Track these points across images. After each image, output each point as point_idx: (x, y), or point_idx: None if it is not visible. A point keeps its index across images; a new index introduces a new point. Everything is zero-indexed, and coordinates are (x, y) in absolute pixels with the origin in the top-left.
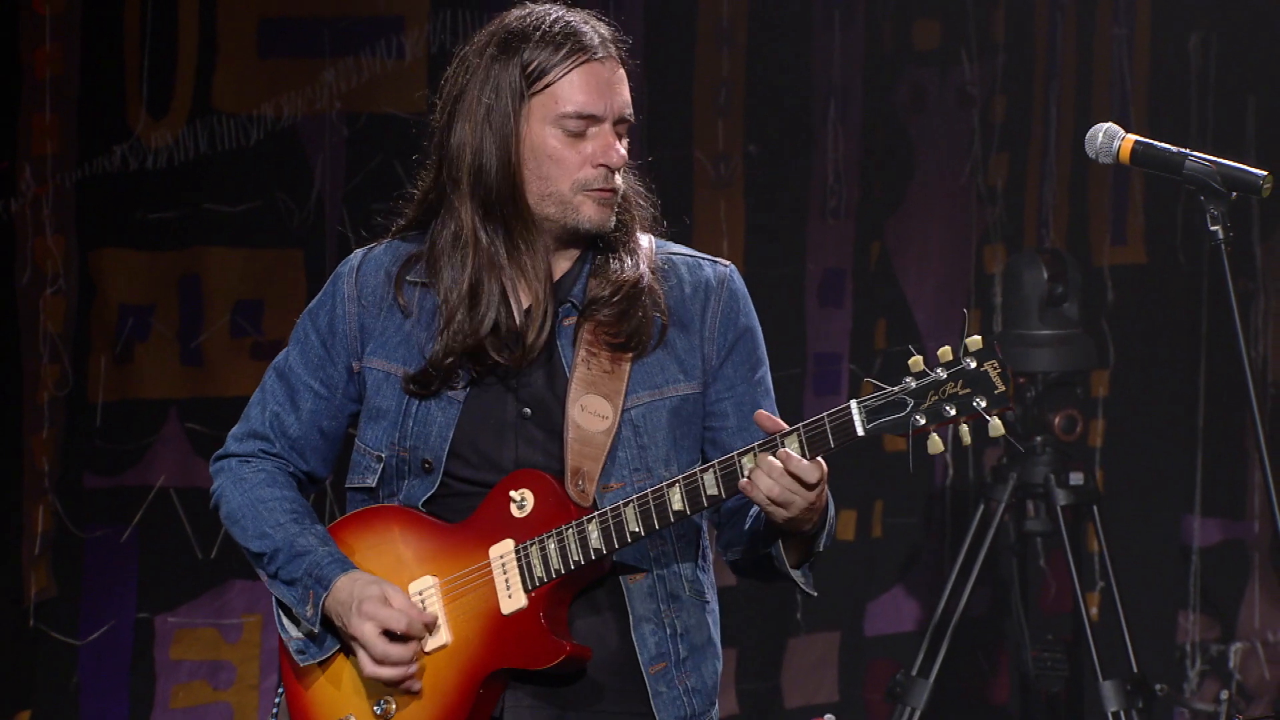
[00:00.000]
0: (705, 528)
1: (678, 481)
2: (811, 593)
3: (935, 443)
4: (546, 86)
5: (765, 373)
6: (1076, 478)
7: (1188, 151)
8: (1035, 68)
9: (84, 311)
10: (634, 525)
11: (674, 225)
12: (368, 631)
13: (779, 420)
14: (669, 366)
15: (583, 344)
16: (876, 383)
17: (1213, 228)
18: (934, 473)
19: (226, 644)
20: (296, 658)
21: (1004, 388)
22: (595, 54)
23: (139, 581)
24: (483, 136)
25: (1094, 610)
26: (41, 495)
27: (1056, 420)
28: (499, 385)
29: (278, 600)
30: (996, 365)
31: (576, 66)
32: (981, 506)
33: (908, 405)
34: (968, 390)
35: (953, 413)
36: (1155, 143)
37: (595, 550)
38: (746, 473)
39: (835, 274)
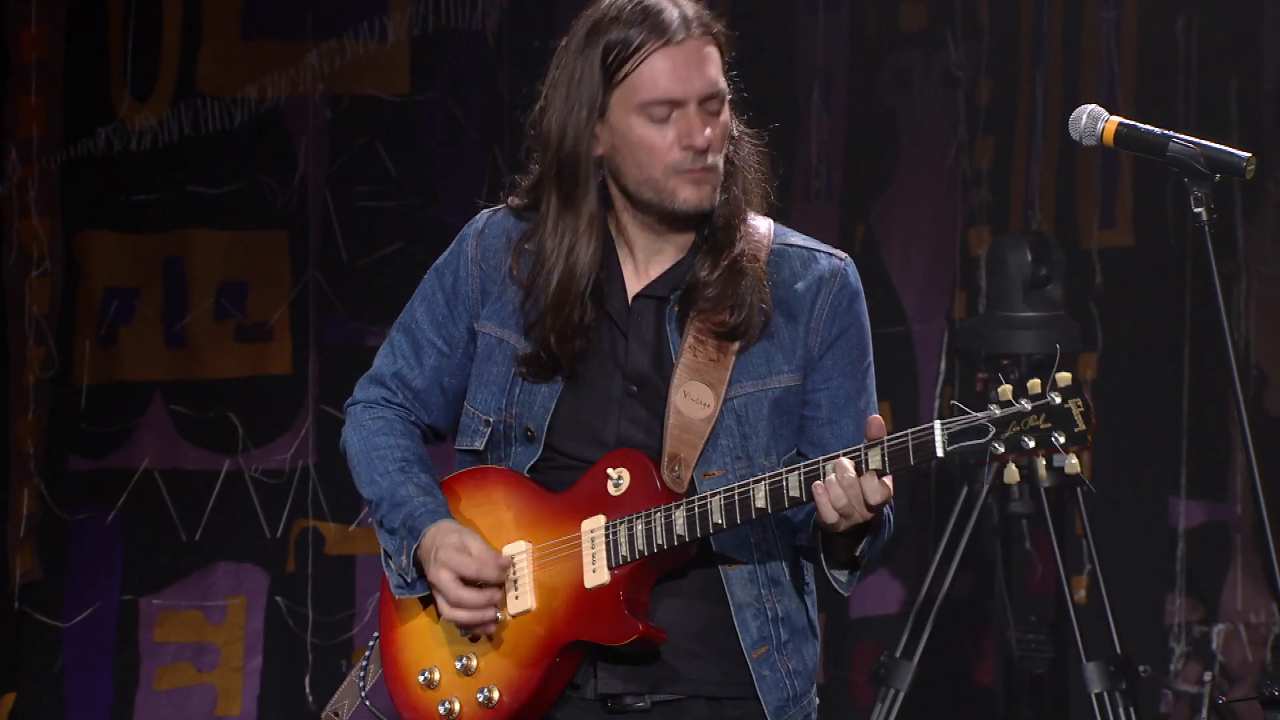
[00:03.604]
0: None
1: (763, 479)
2: (844, 593)
3: (1011, 471)
4: (626, 76)
5: (869, 368)
6: (1060, 460)
7: (1171, 133)
8: (1021, 50)
9: (69, 294)
10: (717, 517)
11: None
12: (443, 578)
13: (884, 429)
14: (774, 357)
15: (690, 330)
16: (961, 405)
17: (1196, 209)
18: None
19: (211, 626)
20: (395, 591)
21: (1085, 427)
22: (673, 37)
23: (124, 564)
24: (564, 130)
25: (1081, 593)
26: (26, 478)
27: None
28: (606, 360)
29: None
30: (1081, 404)
31: (653, 53)
32: (965, 488)
33: (989, 432)
34: (1049, 425)
35: (1031, 445)
36: (1139, 125)
37: (679, 536)
38: (825, 477)
39: None
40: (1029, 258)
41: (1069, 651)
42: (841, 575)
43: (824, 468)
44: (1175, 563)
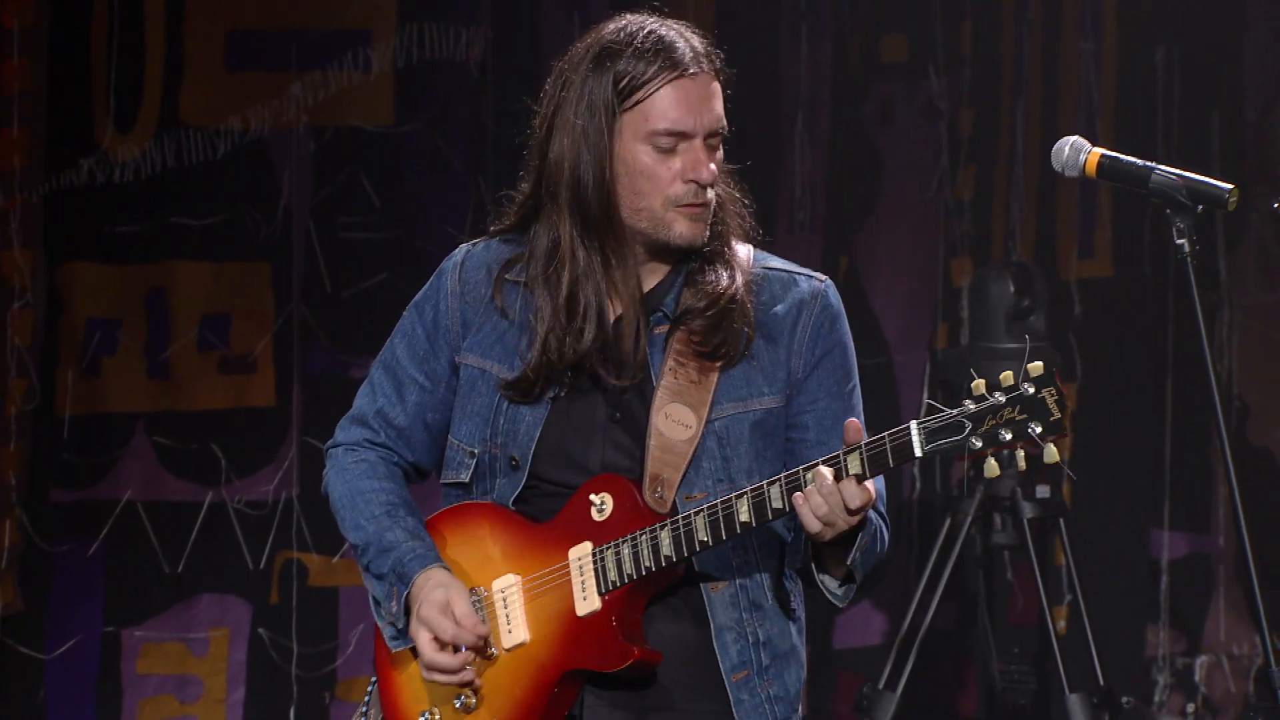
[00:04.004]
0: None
1: (745, 493)
2: (840, 604)
3: (991, 466)
4: (638, 103)
5: (854, 389)
6: (1043, 491)
7: (1154, 165)
8: (1002, 81)
9: (51, 325)
10: (703, 535)
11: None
12: (421, 638)
13: (864, 433)
14: (754, 379)
15: (672, 353)
16: (936, 404)
17: (1179, 241)
18: (901, 485)
19: (193, 658)
20: (390, 643)
21: (1060, 415)
22: (686, 70)
23: (106, 595)
24: (579, 152)
25: (1061, 623)
26: (8, 509)
27: None
28: (589, 389)
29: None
30: (1054, 392)
31: (667, 83)
32: (948, 519)
33: (965, 428)
34: (1024, 416)
35: (1008, 438)
36: (1121, 156)
37: (666, 557)
38: (805, 487)
39: None
40: (1011, 289)
41: (1052, 682)
42: (835, 586)
43: (804, 477)
44: (1158, 594)
